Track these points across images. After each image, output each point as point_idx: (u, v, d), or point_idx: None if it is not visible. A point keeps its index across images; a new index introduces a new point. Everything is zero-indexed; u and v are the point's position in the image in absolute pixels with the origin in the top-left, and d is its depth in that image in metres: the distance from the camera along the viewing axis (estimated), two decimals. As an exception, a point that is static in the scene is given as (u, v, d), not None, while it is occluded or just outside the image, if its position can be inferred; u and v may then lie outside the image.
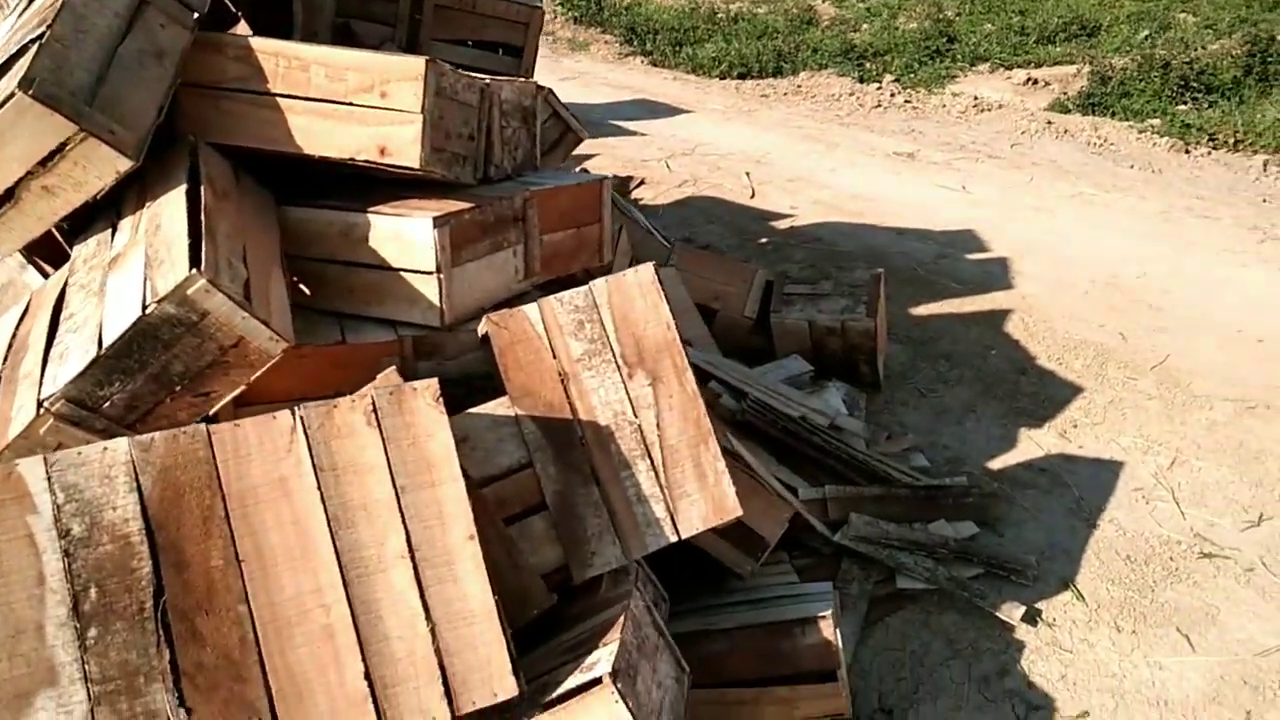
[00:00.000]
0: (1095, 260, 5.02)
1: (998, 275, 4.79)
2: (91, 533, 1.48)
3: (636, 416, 2.01)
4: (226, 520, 1.55)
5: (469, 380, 2.18)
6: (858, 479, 3.13)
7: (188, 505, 1.54)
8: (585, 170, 6.30)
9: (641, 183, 6.22)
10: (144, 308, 1.71)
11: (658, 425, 2.01)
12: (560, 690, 1.64)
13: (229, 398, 1.86)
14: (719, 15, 13.01)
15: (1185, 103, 9.01)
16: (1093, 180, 6.52)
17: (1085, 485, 3.30)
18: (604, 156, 6.79)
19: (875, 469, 3.15)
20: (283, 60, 2.08)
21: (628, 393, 2.01)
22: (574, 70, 10.33)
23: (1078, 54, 11.36)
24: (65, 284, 2.01)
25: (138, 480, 1.53)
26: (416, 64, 2.01)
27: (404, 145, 2.04)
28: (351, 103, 2.06)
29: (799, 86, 9.42)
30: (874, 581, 2.91)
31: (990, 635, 2.74)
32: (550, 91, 3.52)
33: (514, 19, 3.31)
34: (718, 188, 6.13)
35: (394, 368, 1.98)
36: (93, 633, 1.43)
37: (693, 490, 2.00)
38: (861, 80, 9.66)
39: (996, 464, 3.44)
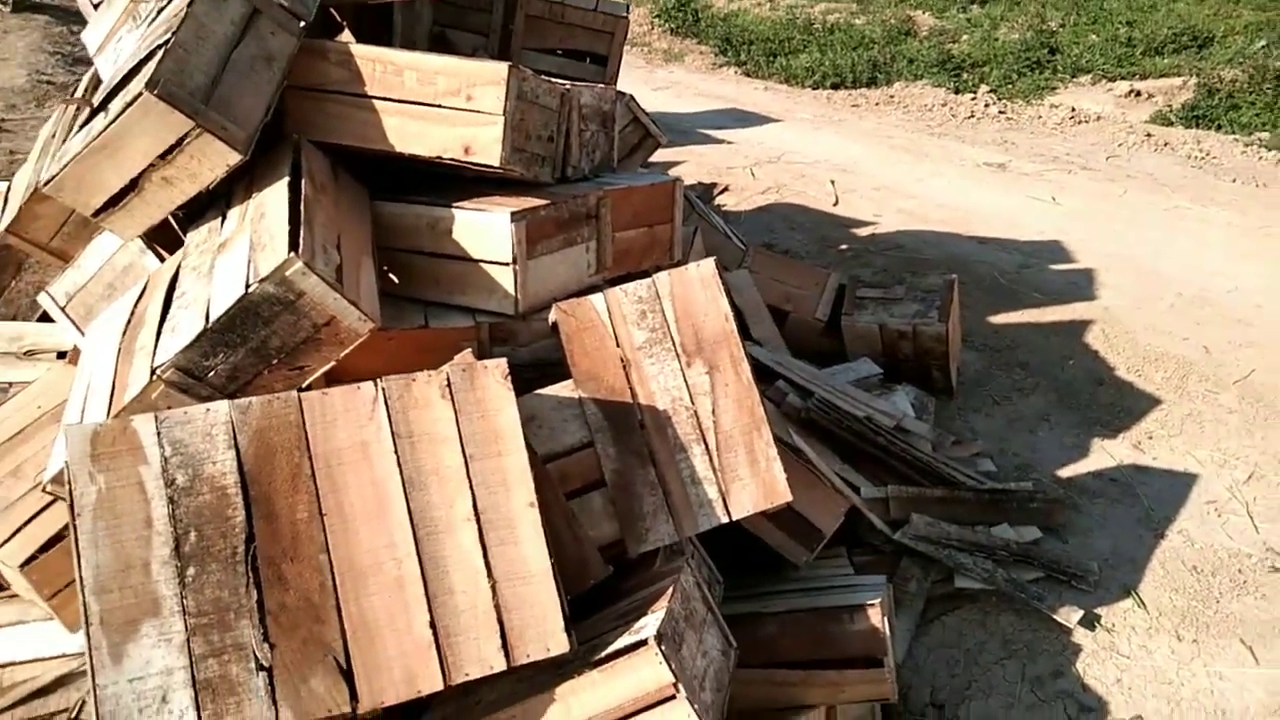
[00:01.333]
0: (1184, 274, 4.91)
1: (1081, 286, 4.74)
2: (193, 483, 1.66)
3: (693, 403, 2.12)
4: (313, 478, 1.72)
5: (540, 366, 2.33)
6: (921, 480, 3.17)
7: (278, 463, 1.71)
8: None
9: (725, 189, 6.32)
10: (247, 286, 1.89)
11: (713, 412, 2.11)
12: (608, 650, 1.76)
13: (320, 372, 2.03)
14: (815, 26, 13.01)
15: (1298, 116, 8.66)
16: (1190, 194, 6.34)
17: (1156, 496, 3.27)
18: (690, 163, 6.91)
19: (939, 471, 3.19)
20: (379, 65, 2.26)
21: (686, 380, 2.12)
22: (667, 80, 10.48)
23: (1186, 66, 11.00)
24: (179, 266, 2.22)
25: (235, 439, 1.70)
26: (500, 69, 2.16)
27: (487, 145, 2.20)
28: (440, 105, 2.23)
29: (891, 97, 9.38)
30: (933, 581, 2.95)
31: (1046, 638, 2.75)
32: (631, 98, 3.65)
33: (600, 28, 3.46)
34: (801, 195, 6.19)
35: (470, 350, 2.13)
36: (191, 571, 1.61)
37: (745, 475, 2.10)
38: (957, 91, 9.56)
39: (1066, 472, 3.43)
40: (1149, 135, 7.81)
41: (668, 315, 2.15)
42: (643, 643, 1.73)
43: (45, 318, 3.01)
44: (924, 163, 6.96)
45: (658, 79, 10.51)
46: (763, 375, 3.41)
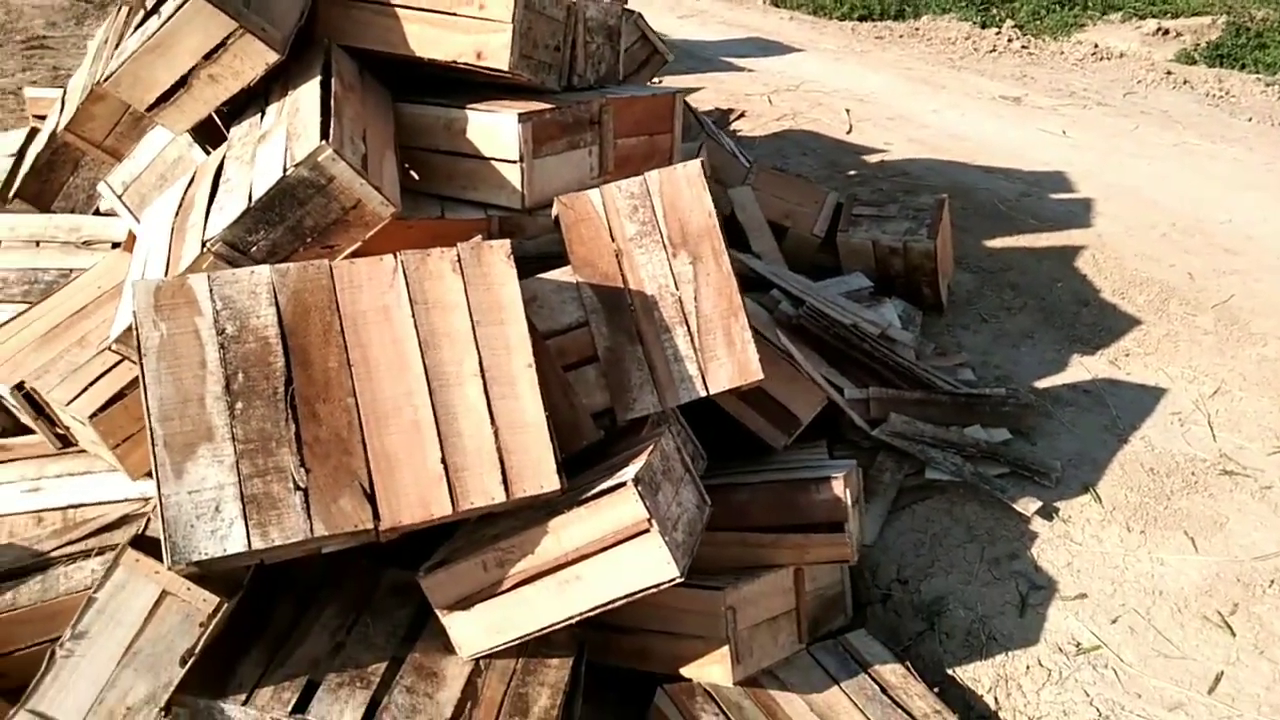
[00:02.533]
0: (1181, 205, 5.06)
1: (1078, 215, 4.90)
2: (241, 333, 1.94)
3: (678, 289, 2.37)
4: (342, 334, 1.99)
5: (544, 258, 2.57)
6: (902, 384, 3.40)
7: (313, 320, 1.99)
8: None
9: (742, 115, 6.48)
10: (284, 170, 2.15)
11: (695, 298, 2.36)
12: (593, 491, 2.03)
13: (348, 251, 2.29)
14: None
15: (1330, 55, 8.59)
16: (1201, 130, 6.43)
17: (1125, 407, 3.50)
18: (709, 89, 7.06)
19: (919, 376, 3.42)
20: (402, -24, 2.48)
21: (671, 269, 2.37)
22: (693, 9, 10.50)
23: (1219, 4, 10.87)
24: (224, 157, 2.47)
25: (276, 298, 1.98)
26: (510, -20, 2.38)
27: (496, 50, 2.42)
28: (455, 13, 2.45)
29: (917, 29, 9.40)
30: (905, 474, 3.20)
31: (1007, 526, 3.01)
32: (639, 15, 3.83)
33: (614, -52, 3.63)
34: (816, 123, 6.34)
35: (479, 238, 2.38)
36: (239, 406, 1.90)
37: (722, 355, 2.36)
38: (983, 26, 9.52)
39: (1043, 384, 3.66)
40: (1169, 73, 7.83)
41: (657, 210, 2.39)
42: (622, 484, 2.00)
43: (99, 212, 3.29)
44: (940, 94, 7.06)
45: (684, 5, 10.54)
46: (759, 285, 3.65)
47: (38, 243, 3.11)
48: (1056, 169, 5.53)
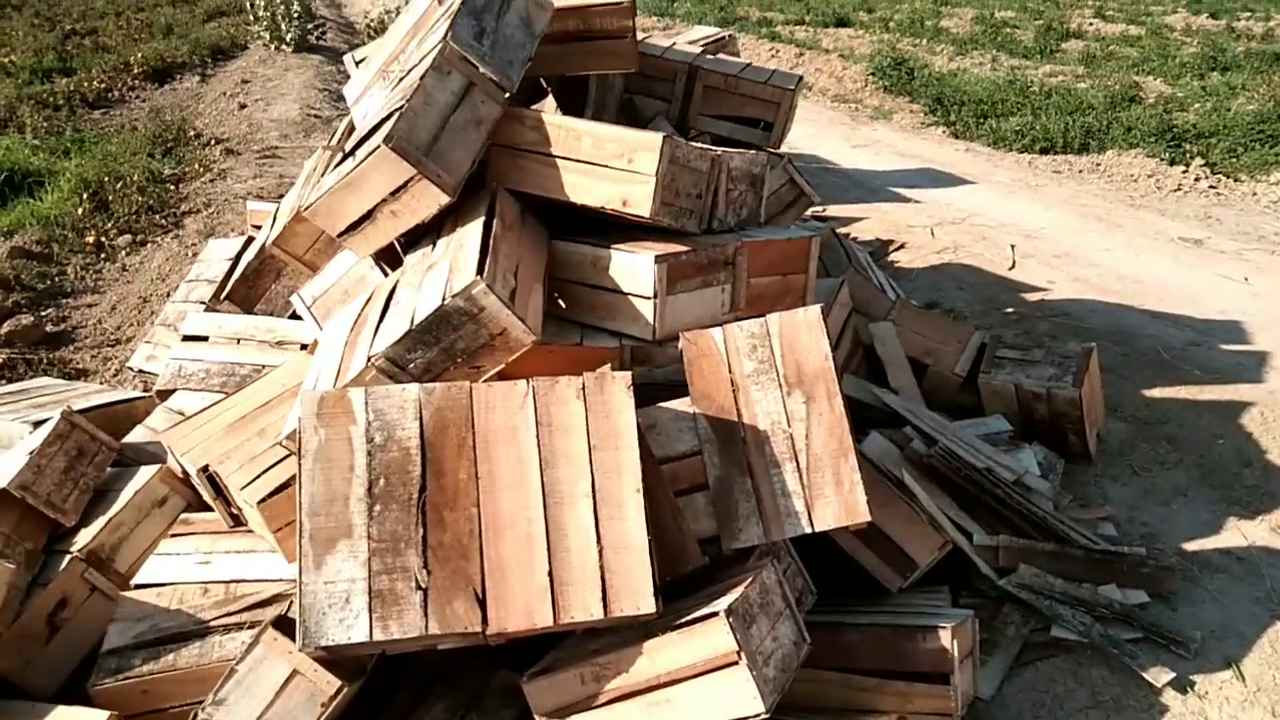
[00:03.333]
0: (1373, 365, 4.71)
1: (1249, 368, 4.65)
2: (387, 442, 2.19)
3: (790, 426, 2.47)
4: (474, 449, 2.21)
5: (671, 386, 2.75)
6: (1035, 534, 3.33)
7: (450, 435, 2.22)
8: (849, 232, 6.74)
9: (901, 246, 6.54)
10: (443, 300, 2.43)
11: (806, 436, 2.46)
12: (688, 618, 2.14)
13: (493, 372, 2.54)
14: (1032, 89, 12.80)
15: None
16: None
17: (1283, 579, 3.28)
18: (873, 220, 7.18)
19: (1054, 528, 3.34)
20: (564, 131, 2.78)
21: (785, 406, 2.48)
22: (869, 139, 10.70)
23: None
24: (397, 281, 2.81)
25: (421, 413, 2.23)
26: (655, 139, 2.63)
27: (640, 199, 2.67)
28: (608, 165, 2.72)
29: (1097, 164, 9.21)
30: (1031, 629, 3.11)
31: (1135, 695, 2.87)
32: (789, 160, 4.04)
33: (768, 99, 3.88)
34: (978, 257, 6.32)
35: (610, 366, 2.58)
36: (378, 508, 2.14)
37: (830, 493, 2.43)
38: (1171, 163, 9.22)
39: (1192, 546, 3.48)
40: (1380, 218, 7.33)
41: (775, 350, 2.52)
42: (715, 614, 2.10)
43: (294, 316, 3.74)
44: (1115, 233, 6.89)
45: (859, 136, 10.76)
46: (892, 421, 3.69)
47: (239, 340, 3.57)
48: (1232, 317, 5.27)
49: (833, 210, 7.45)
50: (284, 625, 2.22)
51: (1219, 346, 4.92)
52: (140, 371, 4.11)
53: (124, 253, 6.41)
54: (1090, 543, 3.31)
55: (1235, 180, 8.62)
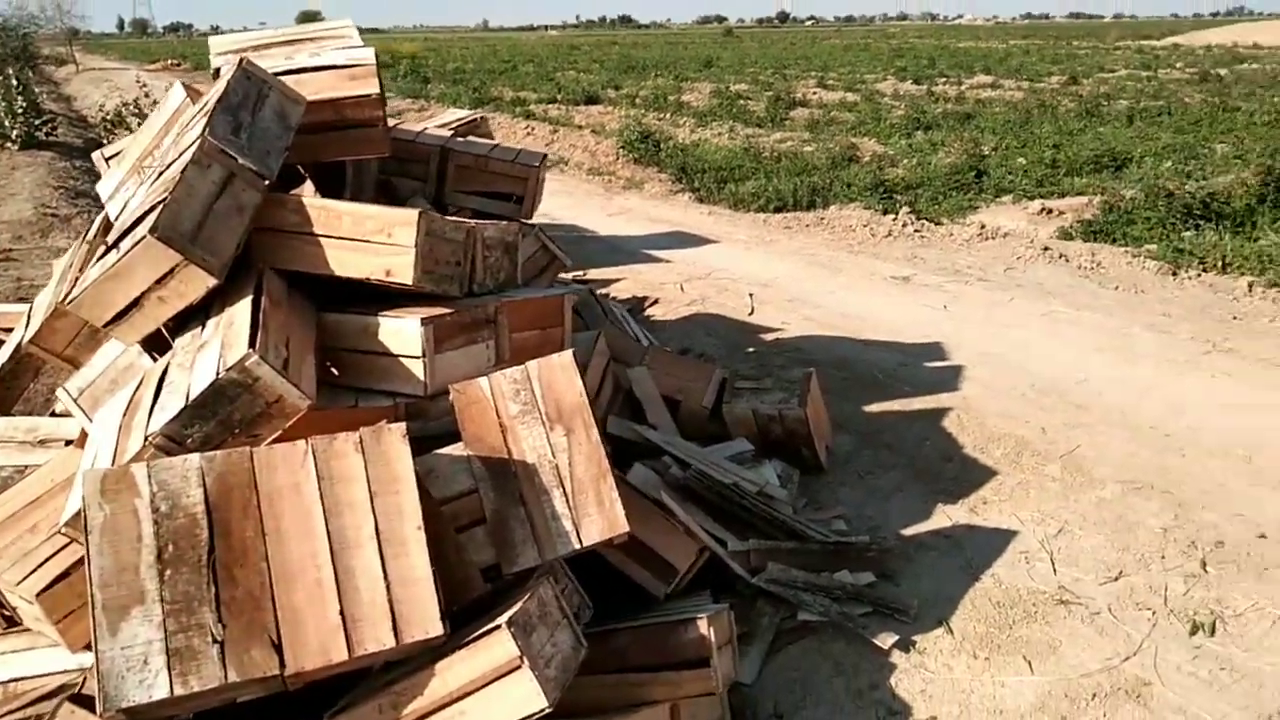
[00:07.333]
0: (1042, 368, 5.68)
1: (948, 380, 5.49)
2: (173, 510, 2.32)
3: (555, 458, 2.80)
4: (259, 507, 2.38)
5: (446, 435, 3.01)
6: (778, 536, 3.82)
7: (234, 498, 2.38)
8: (608, 292, 7.24)
9: (655, 301, 7.12)
10: (218, 374, 2.59)
11: (570, 464, 2.80)
12: (472, 635, 2.39)
13: (271, 439, 2.71)
14: (765, 154, 14.08)
15: (1191, 230, 9.59)
16: (1070, 300, 7.18)
17: (979, 549, 3.93)
18: (629, 280, 7.74)
19: (794, 528, 3.84)
20: (325, 212, 3.02)
21: (549, 441, 2.82)
22: (623, 207, 11.43)
23: (1098, 186, 12.07)
24: (168, 364, 2.92)
25: (204, 480, 2.38)
26: (411, 215, 2.93)
27: (402, 269, 2.94)
28: (369, 240, 2.98)
29: (822, 219, 10.32)
30: (782, 618, 3.57)
31: (871, 660, 3.36)
32: (540, 229, 4.45)
33: (517, 175, 4.28)
34: (722, 305, 7.00)
35: (384, 422, 2.82)
36: (168, 572, 2.26)
37: (593, 512, 2.77)
38: (884, 212, 10.47)
39: (909, 531, 4.09)
40: (1046, 249, 8.69)
41: (536, 392, 2.86)
42: (497, 627, 2.36)
43: (54, 413, 3.69)
44: (837, 276, 7.81)
45: (614, 205, 11.48)
46: (652, 452, 4.10)
47: (-3, 443, 3.49)
48: (934, 340, 6.17)
49: (593, 273, 7.96)
50: (80, 702, 2.28)
51: (923, 365, 5.75)
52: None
53: None
54: (824, 538, 3.83)
55: (936, 224, 9.92)
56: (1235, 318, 6.88)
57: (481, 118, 5.69)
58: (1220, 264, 8.25)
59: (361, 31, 3.80)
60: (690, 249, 8.94)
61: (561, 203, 11.54)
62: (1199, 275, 7.98)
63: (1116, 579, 3.69)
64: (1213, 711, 3.04)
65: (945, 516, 4.18)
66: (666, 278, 7.79)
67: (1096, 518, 4.09)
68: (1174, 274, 8.00)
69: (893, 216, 10.11)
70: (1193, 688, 3.15)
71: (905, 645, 3.39)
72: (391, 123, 4.69)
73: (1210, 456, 4.62)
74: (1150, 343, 6.17)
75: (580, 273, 7.79)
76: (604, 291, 7.14)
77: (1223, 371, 5.71)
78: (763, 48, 56.79)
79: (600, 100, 24.42)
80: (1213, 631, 3.41)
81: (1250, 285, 7.72)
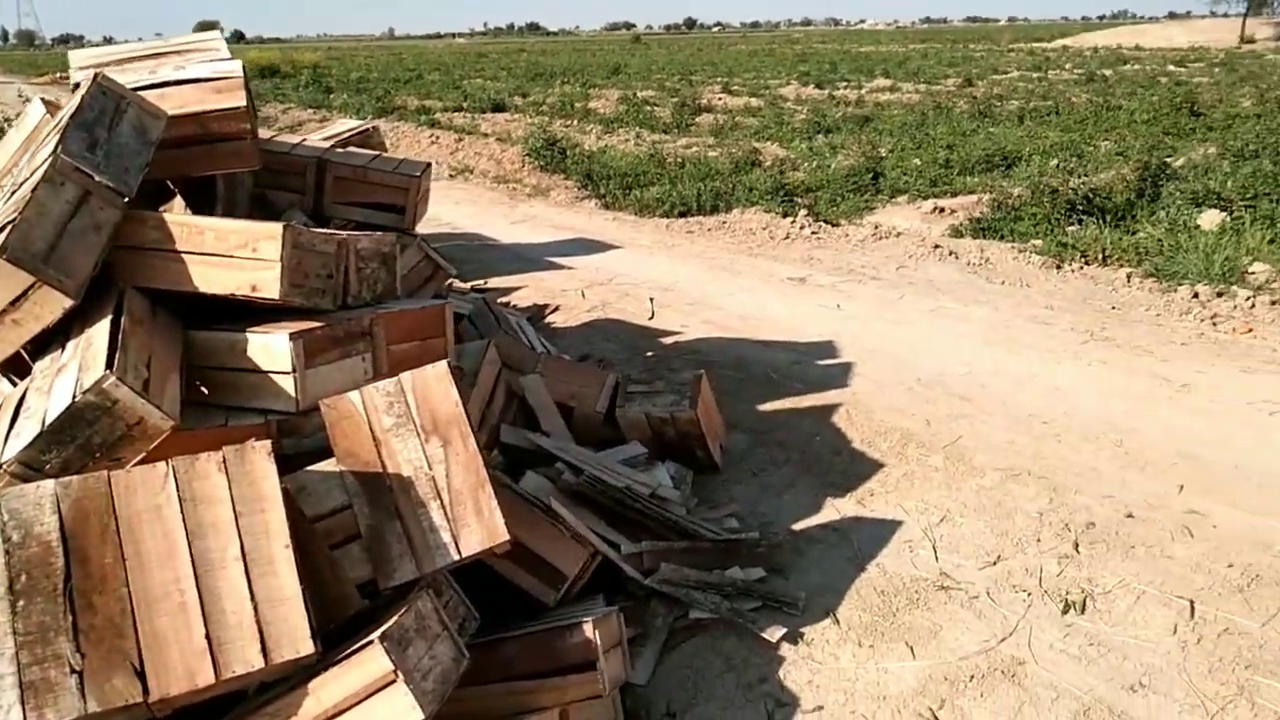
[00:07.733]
0: (928, 362, 5.86)
1: (838, 377, 5.63)
2: (25, 539, 2.25)
3: (431, 469, 2.79)
4: (118, 532, 2.32)
5: (321, 452, 2.97)
6: (671, 536, 3.87)
7: (91, 523, 2.31)
8: (509, 300, 7.23)
9: (556, 309, 7.13)
10: (74, 397, 2.52)
11: (447, 475, 2.79)
12: (346, 652, 2.37)
13: (134, 462, 2.65)
14: (670, 161, 14.20)
15: (1075, 224, 10.01)
16: (957, 296, 7.42)
17: (865, 540, 4.04)
18: (530, 287, 7.74)
19: (686, 528, 3.90)
20: (186, 228, 2.96)
21: (425, 452, 2.80)
22: (527, 215, 11.41)
23: (989, 184, 12.50)
24: (26, 389, 2.82)
25: (59, 506, 2.31)
26: (276, 229, 2.89)
27: (268, 283, 2.90)
28: (233, 255, 2.92)
29: (723, 223, 10.47)
30: (675, 617, 3.62)
31: (760, 654, 3.43)
32: (422, 240, 4.42)
33: (397, 185, 4.24)
34: (623, 311, 7.05)
35: (254, 440, 2.77)
36: (21, 603, 2.18)
37: (472, 522, 2.77)
38: (784, 215, 10.66)
39: (799, 526, 4.18)
40: (937, 247, 8.97)
41: (410, 404, 2.84)
42: (370, 642, 2.35)
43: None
44: (736, 279, 7.94)
45: (518, 213, 11.45)
46: (545, 459, 4.11)
47: None
48: (826, 338, 6.32)
49: (494, 282, 7.93)
50: (-74, 744, 2.18)
51: (816, 363, 5.89)
52: None
53: None
54: (716, 536, 3.90)
55: (834, 225, 10.15)
56: (1114, 308, 7.21)
57: (374, 127, 5.62)
58: (1101, 256, 8.63)
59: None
60: (593, 255, 8.98)
61: (466, 211, 11.47)
62: (1081, 268, 8.34)
63: (995, 563, 3.84)
64: (1081, 685, 3.18)
65: (834, 509, 4.29)
66: (568, 284, 7.81)
67: (977, 505, 4.25)
68: (1058, 267, 8.34)
69: (791, 219, 10.31)
70: (1063, 664, 3.29)
71: (794, 637, 3.47)
72: (290, 135, 4.63)
73: (1084, 441, 4.84)
74: (1033, 334, 6.43)
75: (481, 281, 7.76)
76: (504, 300, 7.13)
77: (1099, 360, 5.98)
78: (670, 54, 57.36)
79: (507, 108, 24.35)
80: (1083, 609, 3.57)
81: (1129, 276, 8.11)
